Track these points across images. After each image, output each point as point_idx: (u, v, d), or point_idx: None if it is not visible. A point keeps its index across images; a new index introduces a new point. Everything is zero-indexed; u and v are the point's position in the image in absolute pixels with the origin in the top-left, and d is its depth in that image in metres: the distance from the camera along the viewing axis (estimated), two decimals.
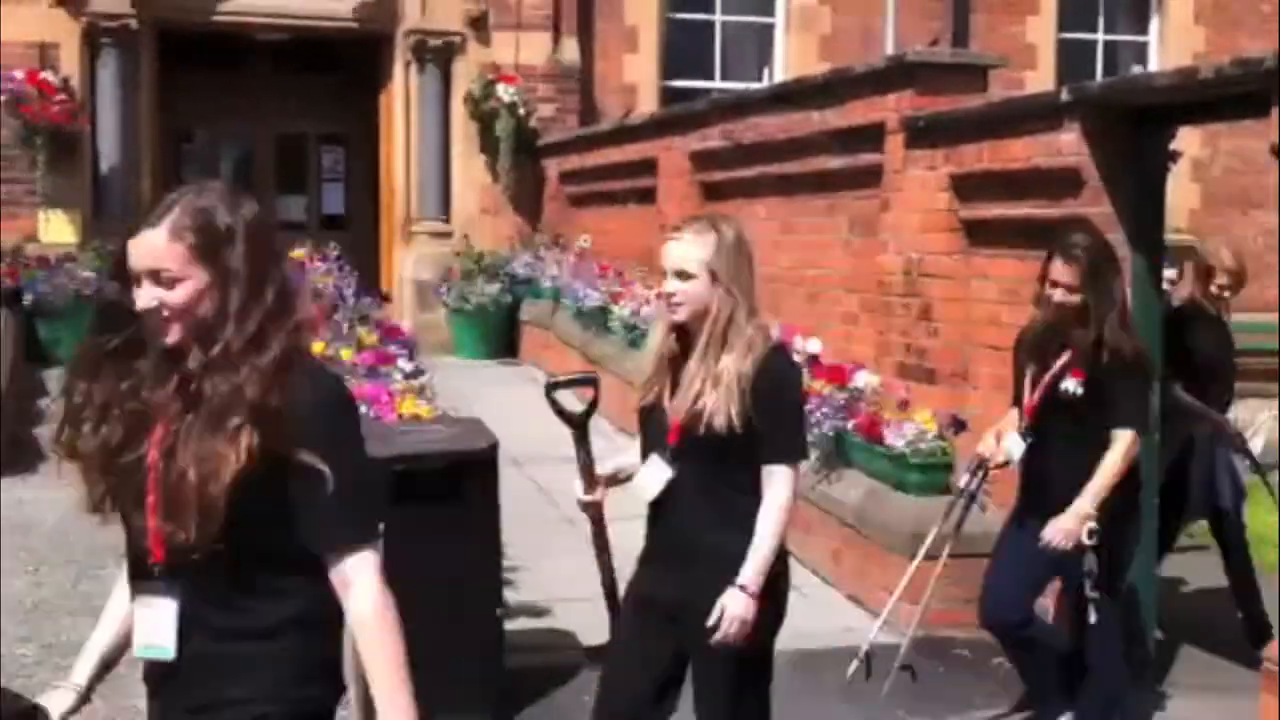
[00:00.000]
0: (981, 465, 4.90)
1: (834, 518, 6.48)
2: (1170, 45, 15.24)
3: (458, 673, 4.84)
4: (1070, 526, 4.40)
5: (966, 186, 6.07)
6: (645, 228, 10.53)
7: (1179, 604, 6.32)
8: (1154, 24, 15.48)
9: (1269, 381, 13.12)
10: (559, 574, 6.42)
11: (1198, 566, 6.80)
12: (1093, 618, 4.48)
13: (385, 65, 13.49)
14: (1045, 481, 4.63)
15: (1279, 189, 4.32)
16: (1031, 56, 14.53)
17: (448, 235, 13.18)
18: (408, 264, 13.27)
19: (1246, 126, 12.48)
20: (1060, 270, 4.50)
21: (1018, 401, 4.76)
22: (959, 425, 6.04)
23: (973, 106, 6.17)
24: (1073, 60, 14.98)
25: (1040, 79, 14.16)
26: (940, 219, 6.23)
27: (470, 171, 13.25)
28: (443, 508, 4.84)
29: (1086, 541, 4.41)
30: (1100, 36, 15.44)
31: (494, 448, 5.01)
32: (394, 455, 4.83)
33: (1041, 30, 14.91)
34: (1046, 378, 4.57)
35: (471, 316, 12.45)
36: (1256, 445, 10.47)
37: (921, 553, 5.18)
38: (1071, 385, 4.52)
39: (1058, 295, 4.51)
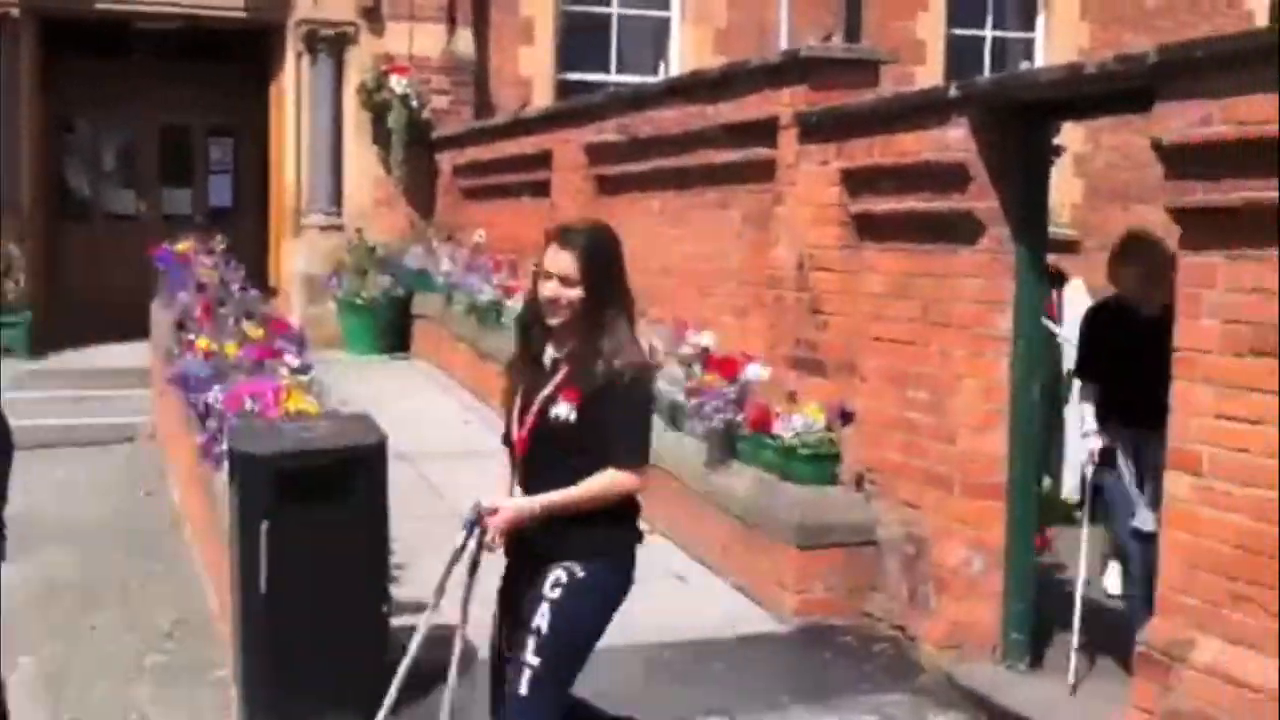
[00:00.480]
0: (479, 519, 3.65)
1: (722, 509, 6.49)
2: (1056, 41, 15.54)
3: (343, 670, 4.78)
4: (508, 515, 3.54)
5: (857, 181, 6.10)
6: (539, 222, 10.44)
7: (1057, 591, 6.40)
8: (1041, 20, 15.77)
9: None
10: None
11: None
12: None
13: (276, 55, 13.25)
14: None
15: (1164, 184, 4.37)
16: (921, 52, 14.72)
17: (339, 228, 12.98)
18: (297, 257, 13.05)
19: (1128, 122, 12.78)
20: (554, 258, 3.53)
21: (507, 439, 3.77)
22: (846, 417, 6.09)
23: (864, 101, 6.20)
24: (962, 56, 15.21)
25: (930, 74, 14.35)
26: (831, 213, 6.26)
27: (363, 164, 13.07)
28: (329, 504, 4.76)
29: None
30: (989, 33, 15.69)
31: (382, 443, 4.94)
32: (279, 451, 4.74)
33: (931, 26, 15.12)
34: (537, 401, 3.61)
35: (362, 311, 12.29)
36: None
37: None
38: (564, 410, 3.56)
39: (549, 290, 3.54)
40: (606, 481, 3.57)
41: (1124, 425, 5.34)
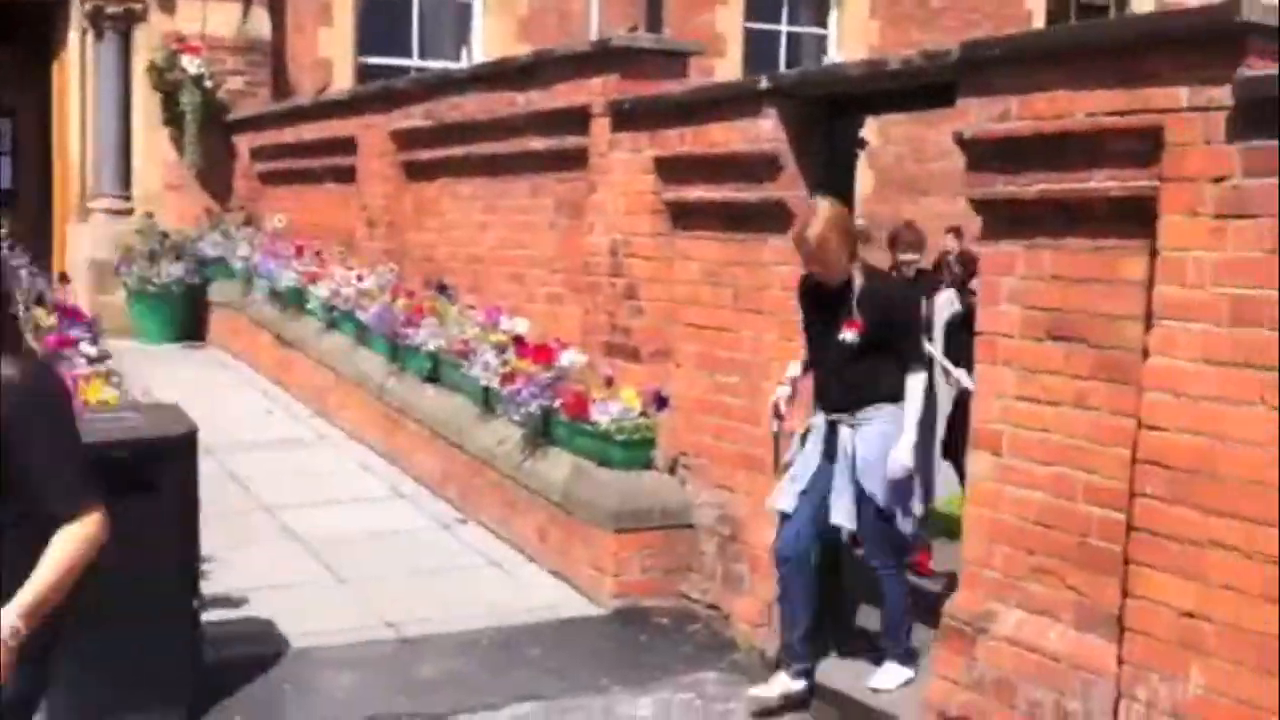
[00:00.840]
0: None
1: (539, 495, 6.51)
2: (848, 37, 16.03)
3: (153, 668, 4.64)
4: None
5: (670, 170, 6.18)
6: (344, 207, 10.30)
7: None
8: (833, 17, 16.24)
9: None
10: (254, 563, 6.25)
11: None
12: None
13: (59, 32, 12.69)
14: None
15: (965, 175, 4.55)
16: (721, 45, 14.99)
17: (128, 213, 12.51)
18: (84, 243, 12.53)
19: (917, 116, 13.29)
20: None
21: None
22: (661, 402, 6.18)
23: (677, 91, 6.29)
24: (759, 50, 15.55)
25: (729, 67, 14.63)
26: (644, 201, 6.33)
27: (153, 146, 12.61)
28: (136, 498, 4.57)
29: None
30: (784, 28, 16.08)
31: (193, 434, 4.80)
32: (86, 443, 4.54)
33: (730, 20, 15.41)
34: None
35: (154, 298, 11.86)
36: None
37: None
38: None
39: None
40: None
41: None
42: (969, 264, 6.92)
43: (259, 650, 5.31)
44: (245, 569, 6.07)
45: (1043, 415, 4.29)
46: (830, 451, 4.96)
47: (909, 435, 4.89)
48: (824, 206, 4.92)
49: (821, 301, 5.02)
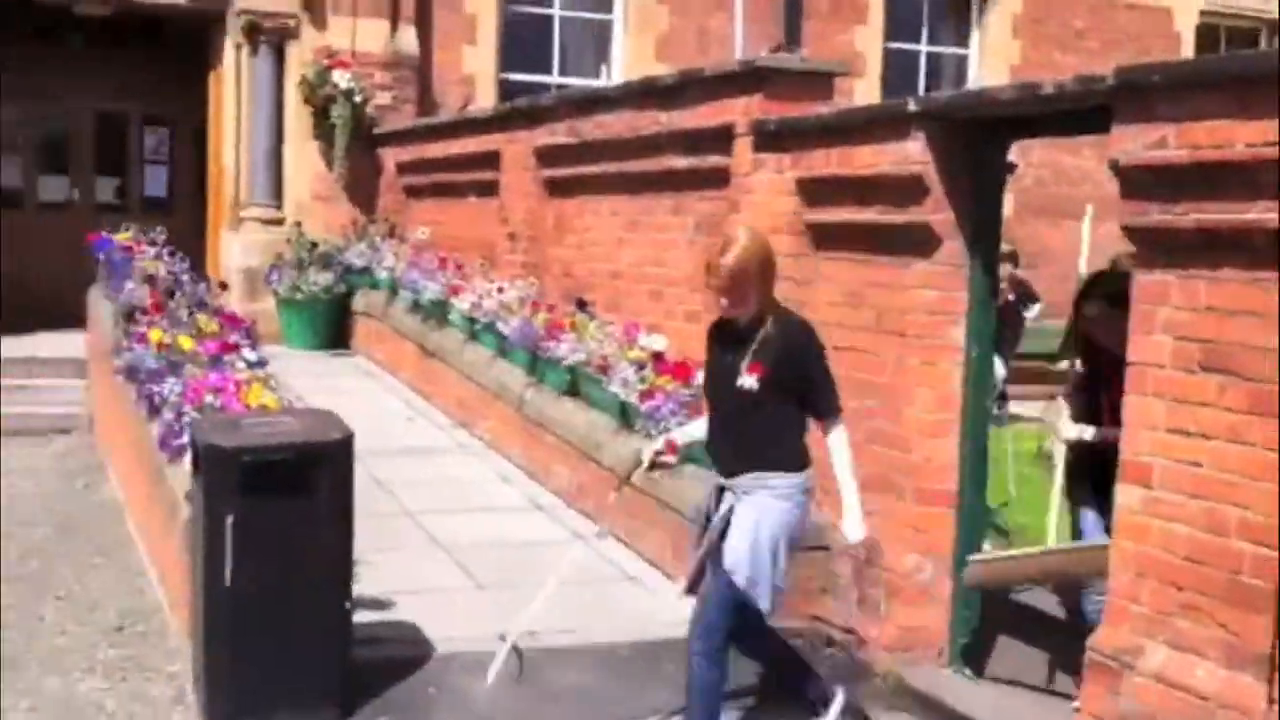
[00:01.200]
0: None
1: (675, 512, 6.57)
2: (989, 57, 15.87)
3: (307, 665, 4.81)
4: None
5: (813, 191, 6.21)
6: (486, 221, 10.51)
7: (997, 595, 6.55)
8: (974, 37, 16.08)
9: None
10: (398, 567, 6.41)
11: None
12: None
13: (215, 45, 13.14)
14: None
15: (1120, 203, 4.51)
16: (860, 65, 14.94)
17: (279, 222, 12.91)
18: (235, 250, 12.95)
19: (1057, 141, 13.11)
20: None
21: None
22: None
23: (823, 113, 6.32)
24: (898, 69, 15.47)
25: (868, 87, 14.60)
26: (786, 221, 6.36)
27: (304, 158, 13.00)
28: (295, 499, 4.78)
29: None
30: (924, 48, 15.97)
31: (349, 439, 4.97)
32: (246, 445, 4.75)
33: (869, 40, 15.36)
34: None
35: (302, 306, 12.22)
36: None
37: None
38: None
39: None
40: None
41: None
42: (1018, 286, 7.04)
43: (405, 653, 5.46)
44: (390, 573, 6.23)
45: (1195, 448, 4.23)
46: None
47: (853, 508, 4.61)
48: (744, 234, 4.65)
49: (725, 342, 4.60)
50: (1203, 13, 16.75)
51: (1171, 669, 4.23)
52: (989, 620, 5.78)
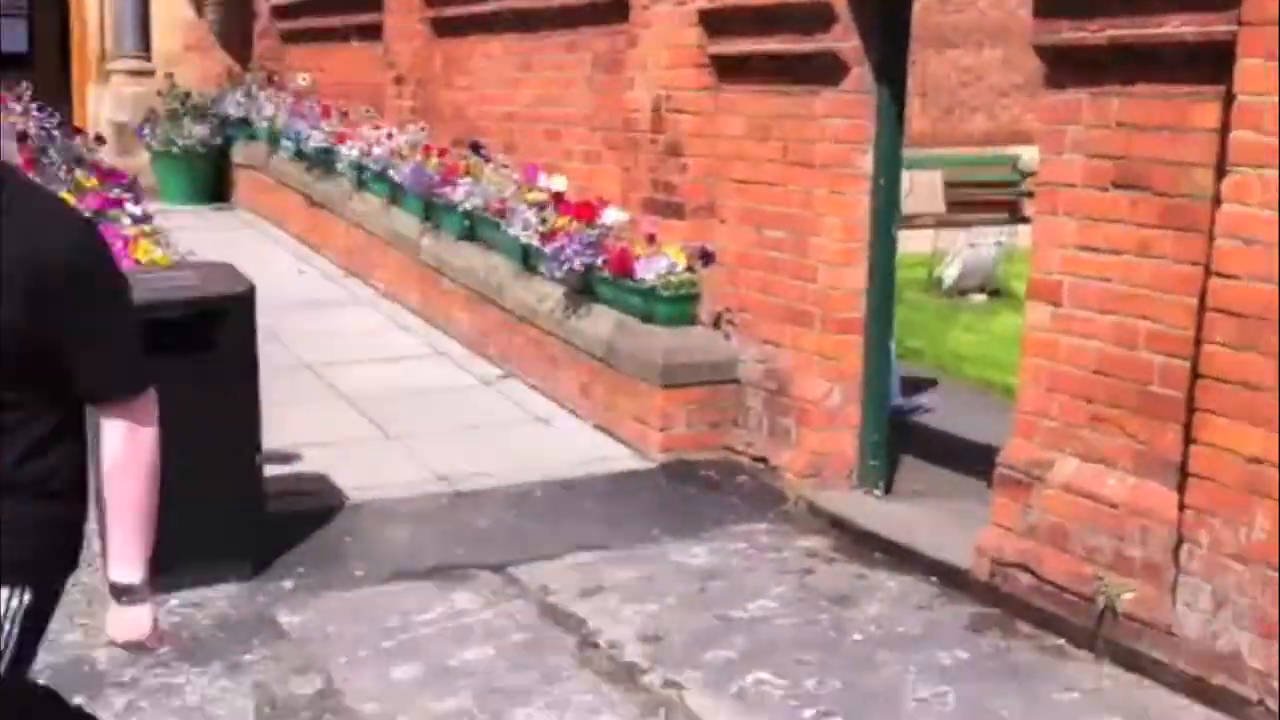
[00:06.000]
0: None
1: (583, 352, 6.55)
2: None
3: (219, 522, 4.71)
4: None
5: (717, 22, 6.07)
6: (370, 66, 10.16)
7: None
8: None
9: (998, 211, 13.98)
10: (303, 420, 6.31)
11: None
12: None
13: None
14: None
15: (1032, 21, 4.47)
16: None
17: (149, 74, 12.36)
18: (104, 105, 12.42)
19: None
20: None
21: None
22: (707, 257, 6.16)
23: None
24: None
25: None
26: (689, 55, 6.23)
27: (172, 5, 12.43)
28: (199, 356, 4.62)
29: None
30: None
31: (251, 291, 4.81)
32: (150, 301, 4.56)
33: None
34: None
35: (178, 160, 11.80)
36: (951, 273, 11.23)
37: None
38: None
39: None
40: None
41: None
42: None
43: (318, 504, 5.41)
44: (295, 426, 6.12)
45: (1104, 264, 4.27)
46: None
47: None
48: None
49: None
50: None
51: (1081, 479, 4.34)
52: (899, 443, 5.89)
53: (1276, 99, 3.64)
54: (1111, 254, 4.25)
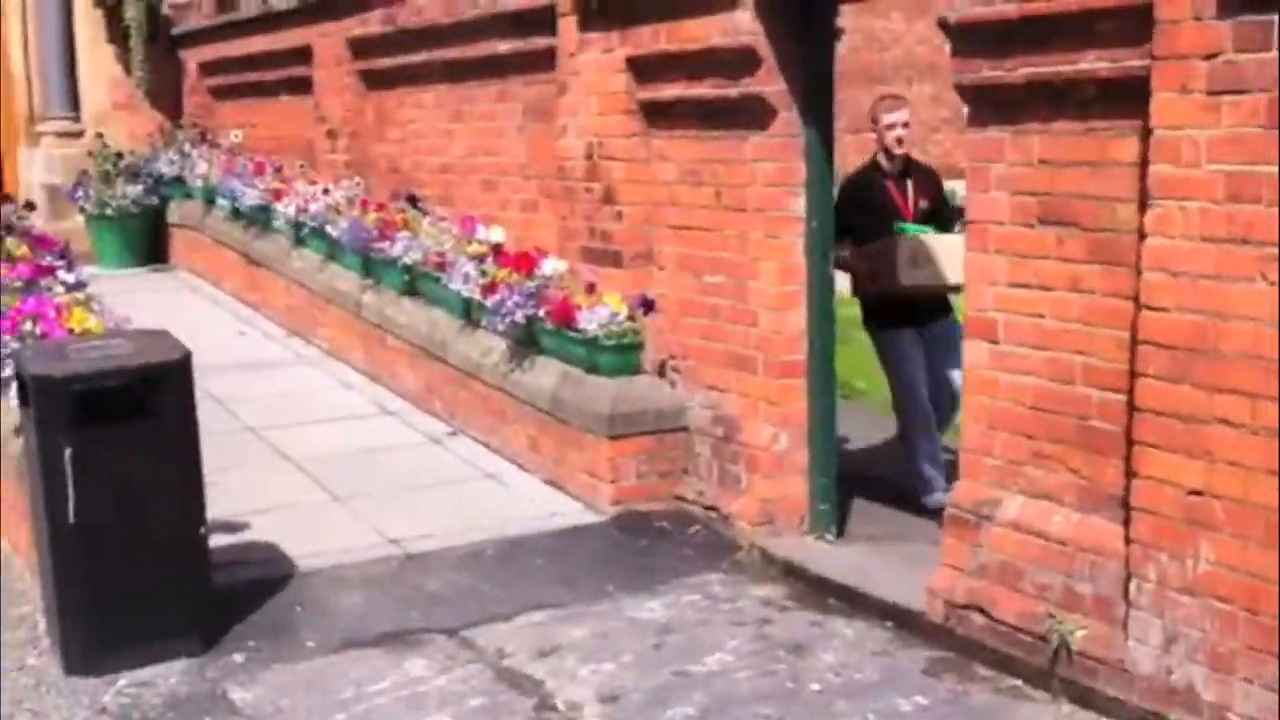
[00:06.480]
0: None
1: (528, 405, 6.52)
2: None
3: (163, 597, 4.65)
4: None
5: (644, 68, 6.10)
6: (302, 120, 10.13)
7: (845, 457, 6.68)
8: None
9: None
10: (248, 485, 6.25)
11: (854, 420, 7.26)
12: None
13: None
14: None
15: (951, 61, 4.52)
16: None
17: (79, 135, 12.26)
18: (35, 168, 12.30)
19: (868, 7, 13.16)
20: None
21: None
22: (648, 305, 6.16)
23: None
24: None
25: None
26: (619, 101, 6.25)
27: (99, 64, 12.34)
28: (136, 426, 4.57)
29: None
30: None
31: (187, 358, 4.76)
32: (78, 373, 4.51)
33: None
34: None
35: (113, 222, 11.67)
36: None
37: None
38: None
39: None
40: None
41: None
42: None
43: (266, 574, 5.33)
44: (240, 492, 6.06)
45: (1036, 301, 4.32)
46: None
47: None
48: None
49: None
50: None
51: (1027, 517, 4.36)
52: (848, 487, 5.90)
53: (1192, 131, 3.70)
54: (1042, 290, 4.29)
